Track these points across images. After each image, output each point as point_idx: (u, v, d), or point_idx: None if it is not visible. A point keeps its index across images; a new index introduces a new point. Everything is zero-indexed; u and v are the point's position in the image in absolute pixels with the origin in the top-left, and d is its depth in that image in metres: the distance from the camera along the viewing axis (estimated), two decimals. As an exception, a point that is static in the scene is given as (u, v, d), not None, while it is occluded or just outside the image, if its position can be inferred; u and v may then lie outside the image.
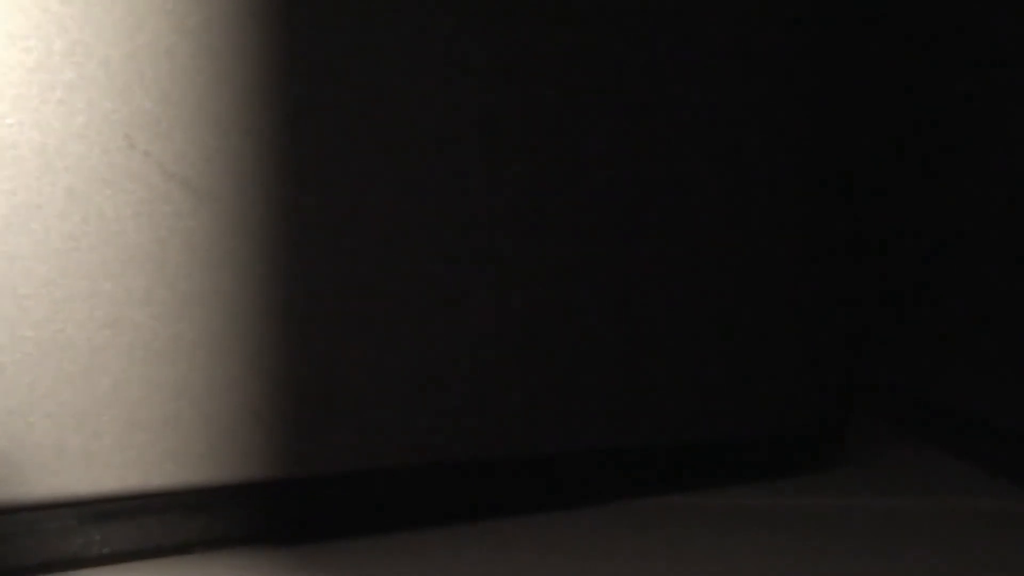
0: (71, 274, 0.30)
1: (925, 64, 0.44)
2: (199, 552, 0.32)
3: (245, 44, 0.31)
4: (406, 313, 0.33)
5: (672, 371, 0.36)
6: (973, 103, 0.42)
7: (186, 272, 0.31)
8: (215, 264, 0.31)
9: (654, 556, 0.33)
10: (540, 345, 0.35)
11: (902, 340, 0.46)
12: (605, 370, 0.36)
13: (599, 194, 0.35)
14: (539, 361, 0.35)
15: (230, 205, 0.31)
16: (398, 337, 0.33)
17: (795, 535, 0.35)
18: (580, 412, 0.35)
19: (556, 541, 0.34)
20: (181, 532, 0.32)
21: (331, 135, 0.32)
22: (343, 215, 0.33)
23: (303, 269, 0.32)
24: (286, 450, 0.32)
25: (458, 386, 0.34)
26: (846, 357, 0.39)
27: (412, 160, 0.33)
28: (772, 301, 0.38)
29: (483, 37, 0.34)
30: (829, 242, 0.38)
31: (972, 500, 0.38)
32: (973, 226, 0.42)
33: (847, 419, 0.39)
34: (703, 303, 0.37)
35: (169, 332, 0.31)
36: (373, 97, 0.33)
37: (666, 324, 0.36)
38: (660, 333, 0.36)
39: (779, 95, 0.37)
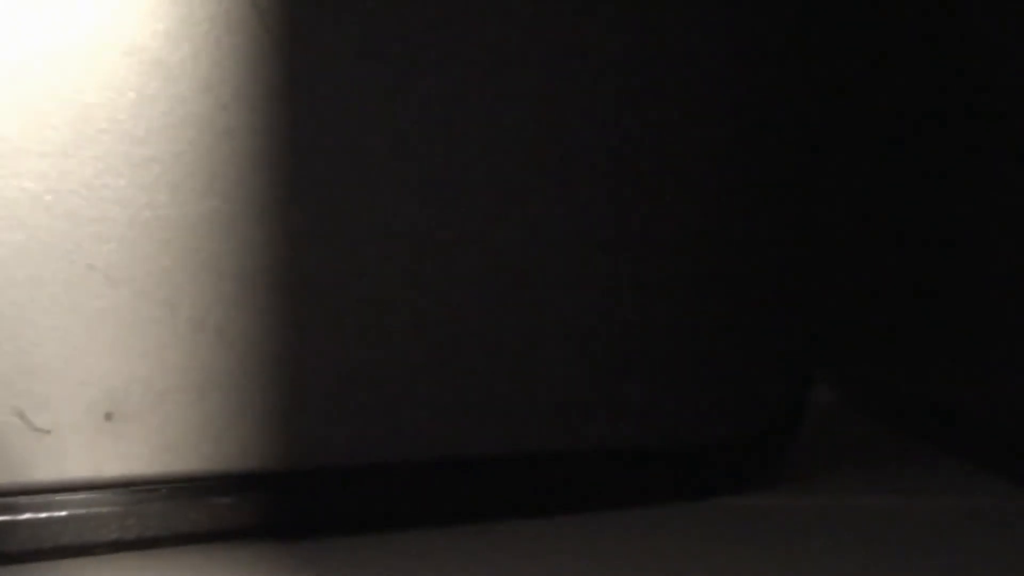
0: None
1: (925, 62, 0.44)
2: (196, 544, 0.32)
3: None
4: (404, 311, 0.33)
5: (592, 377, 0.36)
6: (974, 102, 0.41)
7: (193, 271, 0.31)
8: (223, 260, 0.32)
9: (652, 556, 0.33)
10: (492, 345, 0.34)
11: (901, 340, 0.46)
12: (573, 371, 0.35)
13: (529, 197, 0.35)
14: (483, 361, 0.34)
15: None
16: (395, 335, 0.33)
17: (792, 535, 0.34)
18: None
19: (548, 543, 0.34)
20: (182, 521, 0.32)
21: (311, 125, 0.32)
22: (340, 213, 0.33)
23: (300, 266, 0.32)
24: (284, 442, 0.33)
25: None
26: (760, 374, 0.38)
27: (406, 159, 0.33)
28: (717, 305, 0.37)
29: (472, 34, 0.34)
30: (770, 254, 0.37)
31: (971, 500, 0.38)
32: (974, 225, 0.42)
33: (769, 433, 0.38)
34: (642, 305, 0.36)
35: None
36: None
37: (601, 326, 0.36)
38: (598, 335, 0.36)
39: (762, 97, 0.37)
